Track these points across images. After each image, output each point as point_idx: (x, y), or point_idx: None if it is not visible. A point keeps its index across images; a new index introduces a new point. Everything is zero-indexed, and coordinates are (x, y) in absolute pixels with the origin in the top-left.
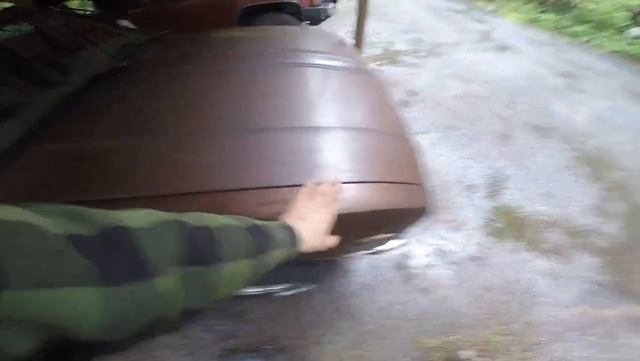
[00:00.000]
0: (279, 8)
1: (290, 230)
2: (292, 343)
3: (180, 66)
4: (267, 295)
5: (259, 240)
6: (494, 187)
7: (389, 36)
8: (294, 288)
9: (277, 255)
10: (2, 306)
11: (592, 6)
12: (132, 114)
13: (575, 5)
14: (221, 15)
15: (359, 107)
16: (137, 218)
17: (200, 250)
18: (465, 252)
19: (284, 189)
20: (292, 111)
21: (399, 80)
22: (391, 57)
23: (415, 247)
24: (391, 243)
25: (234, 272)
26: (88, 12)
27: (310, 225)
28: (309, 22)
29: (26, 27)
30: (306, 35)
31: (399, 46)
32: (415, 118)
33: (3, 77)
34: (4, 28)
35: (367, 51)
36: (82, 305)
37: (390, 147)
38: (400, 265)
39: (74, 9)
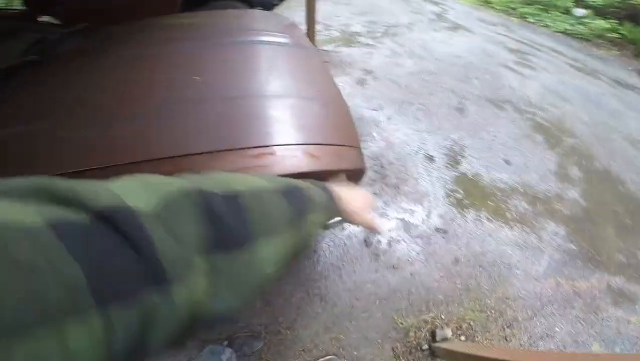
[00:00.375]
0: None
1: (325, 189)
2: (265, 329)
3: (99, 55)
4: None
5: (298, 204)
6: (452, 158)
7: (345, 19)
8: None
9: (314, 219)
10: None
11: None
12: (44, 102)
13: None
14: (162, 4)
15: (298, 78)
16: (140, 193)
17: (229, 229)
18: (430, 224)
19: (229, 152)
20: (225, 83)
21: (354, 60)
22: (347, 38)
23: (380, 221)
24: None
25: (273, 250)
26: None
27: (352, 194)
28: (260, 7)
29: None
30: (250, 17)
31: (355, 28)
32: (370, 95)
33: None
34: None
35: (325, 33)
36: (82, 341)
37: (327, 113)
38: (366, 242)
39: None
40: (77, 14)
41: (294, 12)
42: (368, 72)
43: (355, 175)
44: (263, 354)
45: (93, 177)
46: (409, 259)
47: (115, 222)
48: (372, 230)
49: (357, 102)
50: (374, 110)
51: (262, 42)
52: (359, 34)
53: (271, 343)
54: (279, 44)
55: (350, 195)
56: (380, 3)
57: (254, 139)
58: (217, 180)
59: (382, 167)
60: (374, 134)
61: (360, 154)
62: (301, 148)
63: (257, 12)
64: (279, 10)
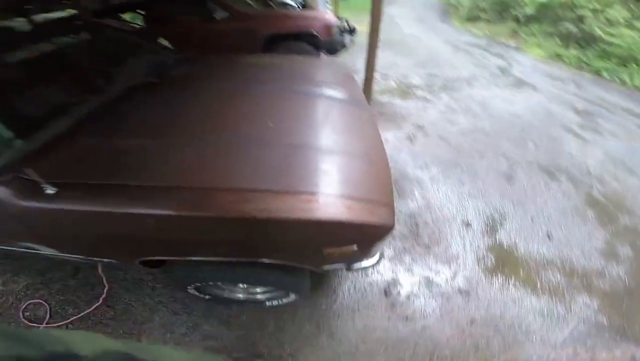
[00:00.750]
0: (298, 37)
1: None
2: (269, 352)
3: (201, 84)
4: (255, 303)
5: None
6: (490, 226)
7: (405, 70)
8: (279, 299)
9: None
10: None
11: (617, 41)
12: (157, 121)
13: (600, 39)
14: (248, 40)
15: (349, 135)
16: (82, 344)
17: None
18: (453, 284)
19: (283, 194)
20: (289, 131)
21: (408, 114)
22: (404, 90)
23: (403, 275)
24: (366, 262)
25: None
26: (137, 26)
27: None
28: (325, 51)
29: (85, 36)
30: (315, 66)
31: (413, 80)
32: (418, 152)
33: (62, 80)
34: (68, 35)
35: (382, 83)
36: None
37: (370, 171)
38: (386, 292)
39: (127, 21)
40: (182, 41)
41: (355, 57)
42: (419, 127)
43: (383, 231)
44: None
45: (180, 194)
46: (424, 313)
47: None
48: None
49: (403, 157)
50: (419, 168)
51: (323, 96)
52: (416, 86)
53: None
54: (336, 99)
55: None
56: (443, 55)
57: (304, 186)
58: (139, 347)
59: (416, 225)
60: (415, 193)
61: (392, 212)
62: (341, 200)
63: (322, 61)
64: (343, 55)
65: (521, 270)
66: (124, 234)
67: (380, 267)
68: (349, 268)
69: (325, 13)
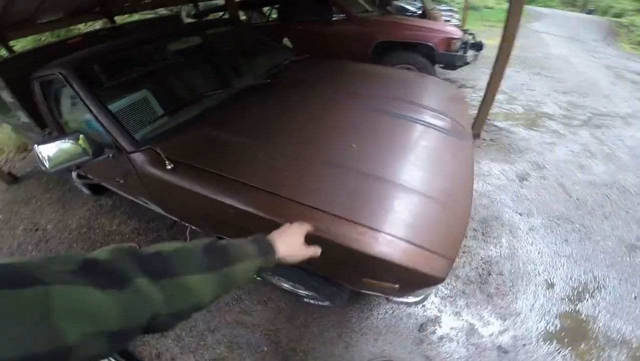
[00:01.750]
0: (412, 48)
1: (262, 243)
2: (286, 342)
3: (307, 90)
4: (296, 295)
5: (214, 257)
6: (577, 293)
7: (539, 95)
8: (316, 300)
9: (241, 267)
10: (55, 298)
11: None
12: (258, 123)
13: None
14: (359, 44)
15: (436, 172)
16: (101, 251)
17: (153, 266)
18: (495, 339)
19: (345, 221)
20: (371, 158)
21: (528, 147)
22: (532, 119)
23: (448, 316)
24: (407, 299)
25: (195, 283)
26: (270, 20)
27: (286, 238)
28: (442, 65)
29: (228, 29)
30: (422, 85)
31: (548, 108)
32: (524, 196)
33: (205, 69)
34: (215, 28)
35: (505, 106)
36: (98, 302)
37: (443, 219)
38: (422, 326)
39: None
40: (301, 41)
41: (481, 73)
42: (537, 166)
43: (430, 281)
44: (267, 357)
45: (261, 196)
46: (447, 358)
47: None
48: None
49: (503, 198)
50: (519, 213)
51: (420, 122)
52: (549, 116)
53: (280, 355)
54: (435, 127)
55: (286, 240)
56: (598, 82)
57: (368, 219)
58: (147, 247)
59: (488, 273)
60: (503, 239)
61: (449, 266)
62: (399, 241)
63: (430, 80)
64: (465, 70)
65: (583, 343)
66: (210, 214)
67: (428, 302)
68: (387, 299)
69: (446, 24)
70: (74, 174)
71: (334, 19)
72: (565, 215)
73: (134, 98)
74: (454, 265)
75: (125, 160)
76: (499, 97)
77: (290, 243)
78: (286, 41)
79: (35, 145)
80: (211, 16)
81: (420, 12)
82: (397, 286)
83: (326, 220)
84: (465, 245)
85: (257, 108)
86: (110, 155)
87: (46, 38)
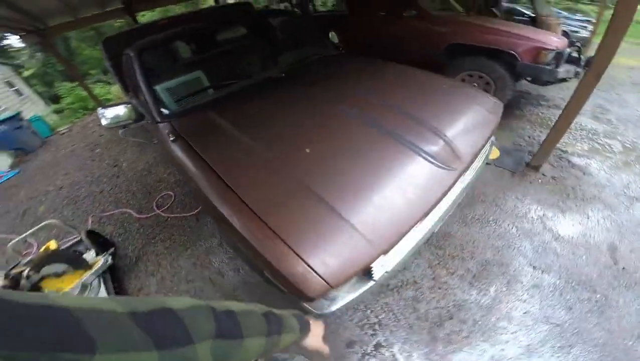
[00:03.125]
0: (492, 55)
1: (302, 321)
2: None
3: (319, 91)
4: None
5: (272, 324)
6: None
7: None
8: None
9: (286, 338)
10: None
11: None
12: (254, 117)
13: None
14: (428, 45)
15: (376, 199)
16: (179, 301)
17: (227, 328)
18: None
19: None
20: (324, 175)
21: (597, 196)
22: (627, 161)
23: (380, 342)
24: (314, 307)
25: (250, 345)
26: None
27: (316, 329)
28: (530, 80)
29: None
30: (442, 96)
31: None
32: (555, 250)
33: (236, 58)
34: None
35: (600, 140)
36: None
37: (347, 247)
38: (350, 343)
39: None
40: (365, 35)
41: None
42: (594, 222)
43: (302, 295)
44: None
45: (228, 195)
46: None
47: (161, 313)
48: (321, 353)
49: (525, 246)
50: (533, 266)
51: (401, 141)
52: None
53: None
54: (416, 149)
55: (316, 330)
56: None
57: (296, 241)
58: (219, 304)
59: (450, 317)
60: (491, 288)
61: (324, 290)
62: (291, 255)
63: (461, 91)
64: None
65: None
66: (191, 186)
67: (371, 324)
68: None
69: (545, 32)
70: (120, 131)
71: (404, 14)
72: (592, 281)
73: (173, 80)
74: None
75: (155, 128)
76: (597, 126)
77: (318, 335)
78: (333, 35)
79: (99, 108)
80: None
81: (531, 17)
82: (286, 290)
83: (271, 238)
84: (445, 282)
85: (258, 103)
86: (149, 121)
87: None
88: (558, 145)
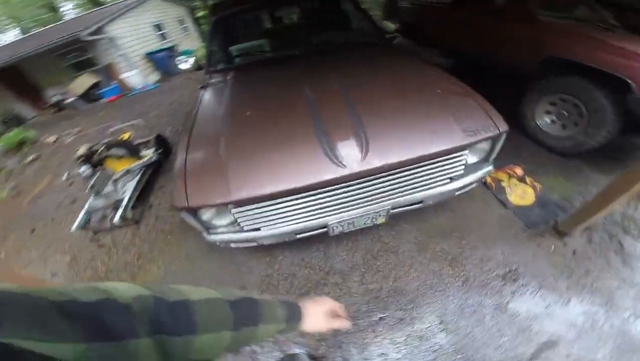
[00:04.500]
0: (596, 78)
1: (293, 308)
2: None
3: (309, 70)
4: None
5: (243, 315)
6: None
7: None
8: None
9: (265, 329)
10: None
11: None
12: (251, 85)
13: None
14: (526, 53)
15: None
16: (121, 290)
17: (171, 323)
18: None
19: None
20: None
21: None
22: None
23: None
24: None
25: (210, 340)
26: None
27: (317, 308)
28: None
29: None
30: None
31: None
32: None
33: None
34: None
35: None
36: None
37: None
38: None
39: None
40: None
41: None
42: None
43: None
44: None
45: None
46: None
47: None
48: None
49: (435, 308)
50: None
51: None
52: None
53: None
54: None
55: (316, 310)
56: None
57: (190, 166)
58: (172, 289)
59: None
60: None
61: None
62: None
63: (445, 121)
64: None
65: None
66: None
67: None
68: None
69: None
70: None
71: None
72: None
73: (243, 44)
74: None
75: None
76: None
77: (319, 316)
78: (386, 23)
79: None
80: None
81: None
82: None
83: None
84: (350, 287)
85: (262, 73)
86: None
87: None
88: (617, 218)
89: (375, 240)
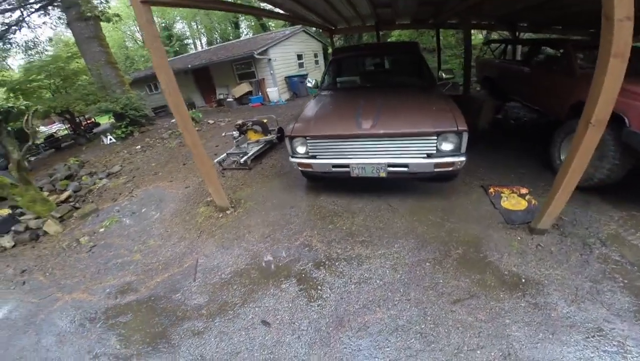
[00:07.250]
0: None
1: None
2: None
3: (370, 94)
4: None
5: None
6: None
7: None
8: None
9: None
10: None
11: None
12: (344, 97)
13: None
14: (560, 100)
15: None
16: None
17: None
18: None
19: None
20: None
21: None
22: None
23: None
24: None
25: None
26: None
27: None
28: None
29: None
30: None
31: None
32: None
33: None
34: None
35: None
36: None
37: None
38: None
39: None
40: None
41: None
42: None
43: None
44: None
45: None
46: None
47: None
48: None
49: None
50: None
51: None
52: None
53: None
54: None
55: None
56: None
57: (302, 117)
58: None
59: None
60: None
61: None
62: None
63: (425, 119)
64: None
65: None
66: None
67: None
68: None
69: None
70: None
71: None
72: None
73: (345, 77)
74: None
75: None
76: None
77: None
78: (440, 74)
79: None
80: None
81: None
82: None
83: None
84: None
85: (350, 93)
86: None
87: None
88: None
89: (384, 203)
